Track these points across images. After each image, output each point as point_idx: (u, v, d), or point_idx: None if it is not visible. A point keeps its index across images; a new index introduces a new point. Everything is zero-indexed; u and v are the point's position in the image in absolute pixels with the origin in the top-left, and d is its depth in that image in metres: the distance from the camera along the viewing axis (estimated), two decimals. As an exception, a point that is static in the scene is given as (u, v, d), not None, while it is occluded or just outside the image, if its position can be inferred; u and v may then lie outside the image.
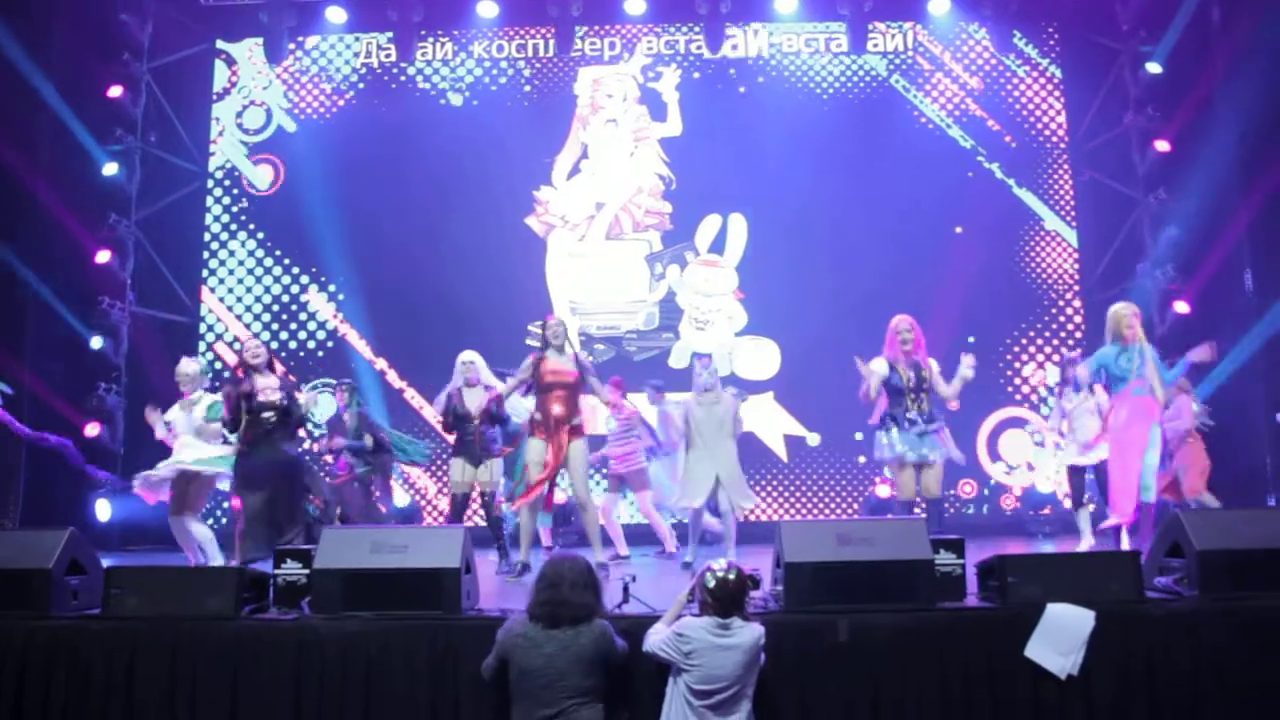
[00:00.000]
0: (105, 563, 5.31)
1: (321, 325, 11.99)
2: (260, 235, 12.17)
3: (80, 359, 10.83)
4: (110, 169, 11.28)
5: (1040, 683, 4.49)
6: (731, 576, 4.11)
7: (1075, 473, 8.30)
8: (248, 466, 6.79)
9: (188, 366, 7.41)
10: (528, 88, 12.44)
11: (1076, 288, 11.91)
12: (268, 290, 12.06)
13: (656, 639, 4.17)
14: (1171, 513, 5.34)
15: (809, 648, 4.53)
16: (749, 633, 4.09)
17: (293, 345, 11.94)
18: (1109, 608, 4.56)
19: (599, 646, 4.07)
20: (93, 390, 10.67)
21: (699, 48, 12.45)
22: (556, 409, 6.85)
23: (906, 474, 6.83)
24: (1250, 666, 4.51)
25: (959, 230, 11.76)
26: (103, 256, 11.02)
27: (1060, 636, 4.50)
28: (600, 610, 4.21)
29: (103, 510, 10.45)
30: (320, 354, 11.92)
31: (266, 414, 6.78)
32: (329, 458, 9.29)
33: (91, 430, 10.52)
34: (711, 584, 4.10)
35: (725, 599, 4.08)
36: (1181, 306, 10.76)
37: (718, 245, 11.94)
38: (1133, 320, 6.73)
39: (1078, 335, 11.77)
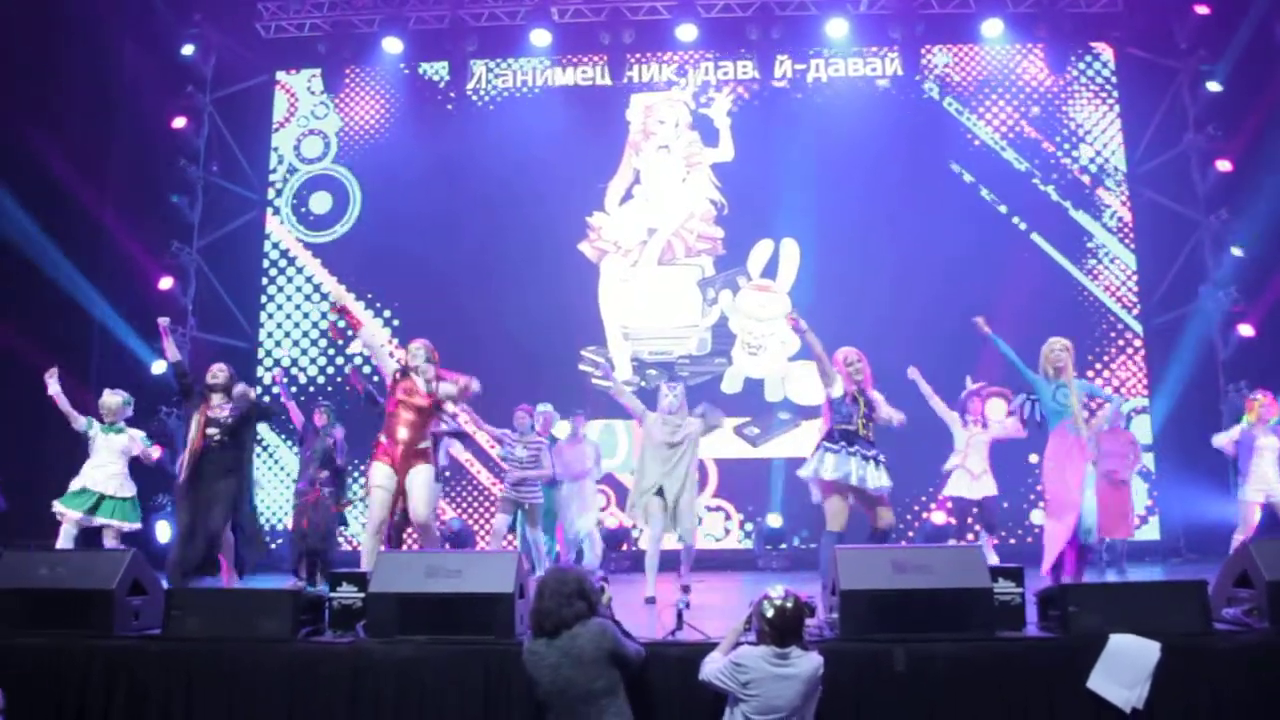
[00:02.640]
0: (165, 584, 5.40)
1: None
2: (318, 261, 12.37)
3: (142, 383, 11.01)
4: (173, 198, 11.56)
5: (1103, 716, 4.38)
6: (789, 605, 4.07)
7: (960, 504, 8.59)
8: (187, 485, 6.79)
9: (111, 399, 7.73)
10: (580, 114, 12.53)
11: (1136, 310, 11.70)
12: (324, 315, 12.23)
13: (713, 667, 4.13)
14: (1240, 544, 5.20)
15: (865, 677, 4.48)
16: (808, 662, 4.04)
17: (349, 370, 12.08)
18: (1175, 639, 4.45)
19: (598, 645, 4.08)
20: (154, 414, 10.86)
21: (751, 73, 12.48)
22: (402, 433, 6.55)
23: (837, 502, 6.58)
24: (1324, 702, 4.37)
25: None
26: (165, 283, 11.28)
27: (1124, 668, 4.39)
28: (593, 613, 4.20)
29: (163, 531, 10.61)
30: (375, 378, 12.00)
31: (211, 430, 6.84)
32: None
33: (153, 453, 10.70)
34: (770, 613, 4.06)
35: (784, 628, 4.03)
36: (1246, 329, 10.53)
37: (770, 270, 11.91)
38: (1063, 355, 6.63)
39: (1138, 359, 11.56)
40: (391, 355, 8.20)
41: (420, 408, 6.57)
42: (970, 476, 8.48)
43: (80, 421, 7.63)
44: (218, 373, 7.07)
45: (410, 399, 6.56)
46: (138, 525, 7.70)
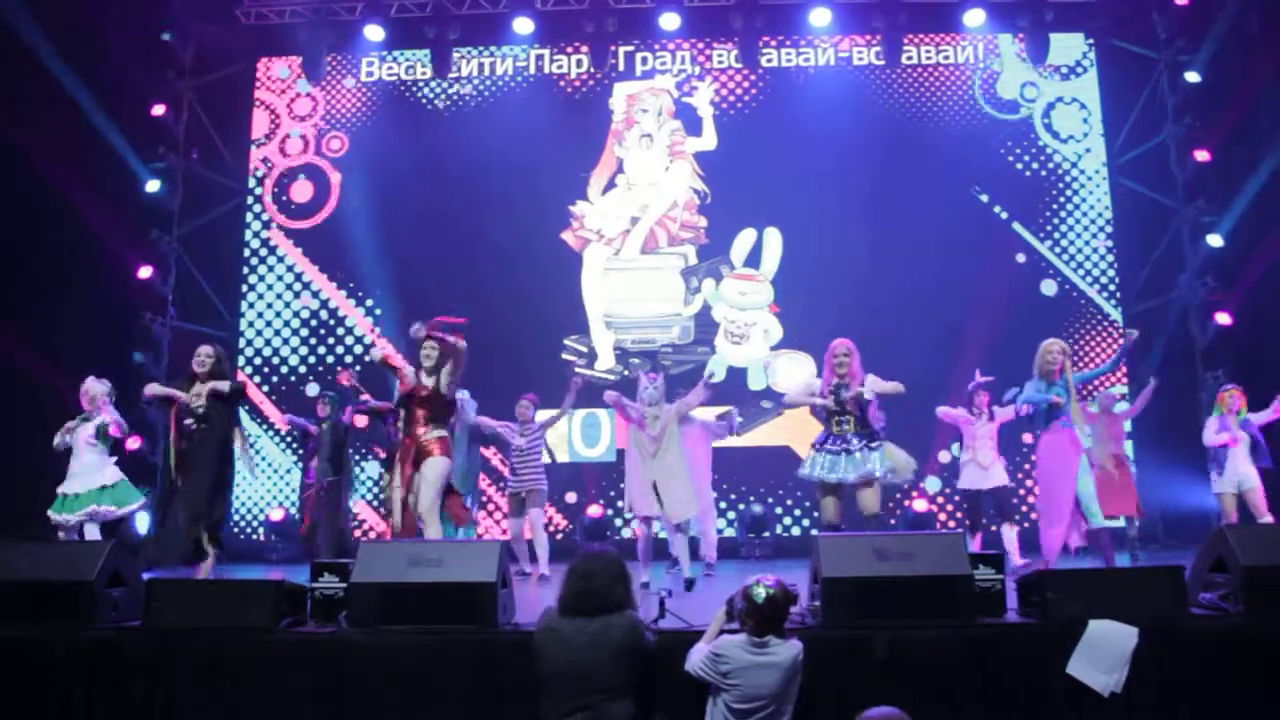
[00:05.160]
0: (145, 575, 5.38)
1: (359, 340, 12.08)
2: (299, 250, 12.30)
3: (122, 373, 10.94)
4: (153, 186, 11.48)
5: (1083, 700, 4.43)
6: (779, 594, 4.05)
7: (972, 496, 8.67)
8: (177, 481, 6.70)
9: (95, 386, 7.65)
10: (563, 103, 12.49)
11: (1116, 299, 11.77)
12: (305, 305, 12.17)
13: (696, 659, 4.13)
14: (1215, 529, 5.26)
15: (848, 664, 4.51)
16: (787, 650, 4.05)
17: (330, 360, 12.04)
18: (1152, 624, 4.50)
19: (631, 638, 4.03)
20: (134, 404, 10.79)
21: (734, 62, 12.46)
22: (418, 428, 6.75)
23: (827, 498, 6.76)
24: (1299, 685, 4.43)
25: (1020, 259, 11.67)
26: (145, 272, 11.19)
27: (1103, 653, 4.44)
28: (631, 603, 4.18)
29: (142, 522, 10.55)
30: (358, 368, 11.96)
31: (187, 420, 6.62)
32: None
33: (133, 444, 10.64)
34: (761, 601, 4.04)
35: (774, 616, 4.03)
36: (1223, 318, 10.62)
37: (753, 259, 11.92)
38: (1059, 357, 6.79)
39: (1117, 347, 11.60)
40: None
41: (426, 399, 6.75)
42: (980, 468, 8.56)
43: (64, 438, 7.57)
44: (205, 359, 6.77)
45: (418, 394, 6.77)
46: (131, 507, 7.65)
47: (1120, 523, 9.24)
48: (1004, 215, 11.90)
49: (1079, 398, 7.09)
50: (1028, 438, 10.49)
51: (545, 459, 8.76)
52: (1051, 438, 6.75)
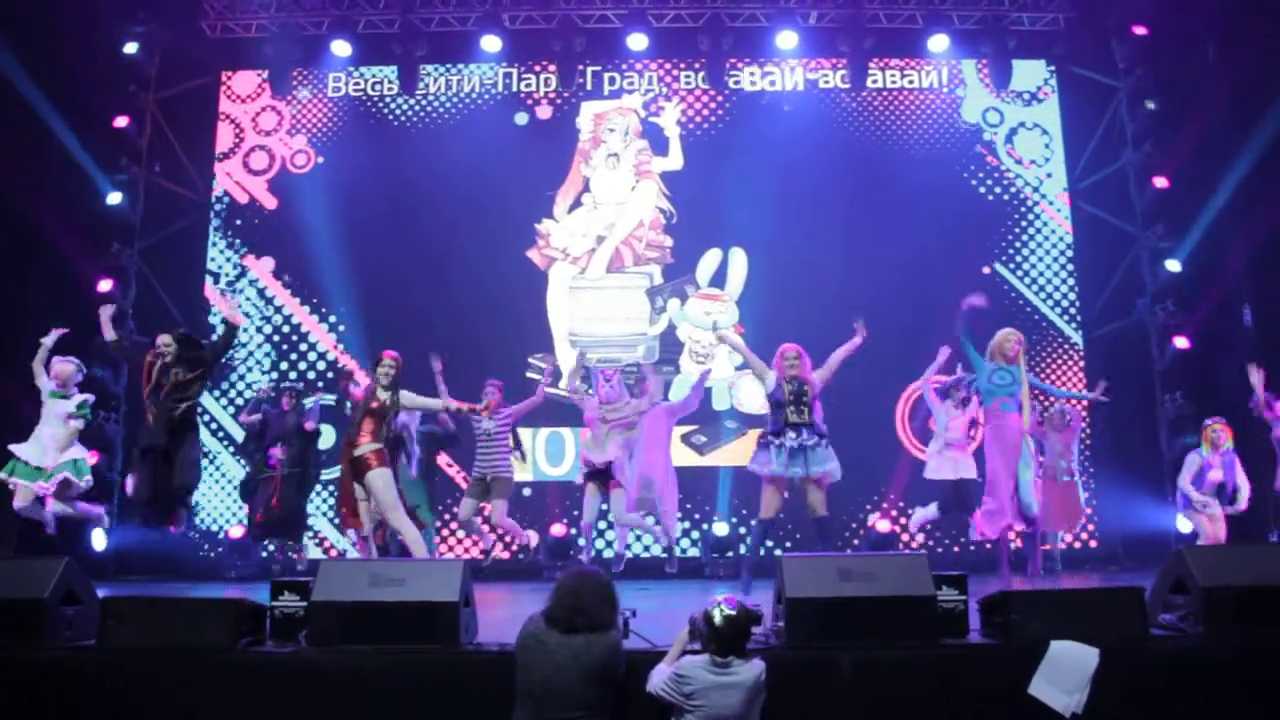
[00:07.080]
0: (101, 592, 5.28)
1: (322, 356, 11.97)
2: (262, 265, 12.17)
3: (80, 388, 10.76)
4: (114, 198, 11.33)
5: (1045, 721, 4.45)
6: (739, 615, 4.05)
7: (945, 486, 8.94)
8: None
9: (64, 367, 8.25)
10: (528, 120, 12.48)
11: (1076, 323, 11.91)
12: (268, 320, 12.05)
13: (658, 679, 4.11)
14: (1175, 550, 5.32)
15: (810, 685, 4.49)
16: (750, 670, 4.03)
17: (293, 375, 11.90)
18: (1114, 645, 4.53)
19: (613, 659, 4.05)
20: (92, 419, 10.61)
21: (701, 83, 12.53)
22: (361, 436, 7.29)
23: (772, 492, 7.03)
24: (1257, 704, 4.47)
25: (987, 271, 11.82)
26: (104, 285, 11.01)
27: (1065, 674, 4.46)
28: (615, 625, 4.21)
29: (99, 539, 10.37)
30: (320, 384, 11.87)
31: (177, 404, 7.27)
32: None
33: (89, 459, 10.45)
34: (719, 621, 4.03)
35: (733, 637, 4.02)
36: (1181, 342, 10.78)
37: (719, 279, 11.95)
38: (1015, 345, 7.23)
39: (1078, 370, 11.76)
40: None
41: (378, 410, 7.37)
42: (952, 462, 8.70)
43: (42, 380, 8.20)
44: (164, 349, 7.37)
45: (369, 404, 7.37)
46: (88, 479, 8.35)
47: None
48: (966, 238, 11.98)
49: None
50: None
51: (511, 444, 8.94)
52: (994, 418, 6.94)
